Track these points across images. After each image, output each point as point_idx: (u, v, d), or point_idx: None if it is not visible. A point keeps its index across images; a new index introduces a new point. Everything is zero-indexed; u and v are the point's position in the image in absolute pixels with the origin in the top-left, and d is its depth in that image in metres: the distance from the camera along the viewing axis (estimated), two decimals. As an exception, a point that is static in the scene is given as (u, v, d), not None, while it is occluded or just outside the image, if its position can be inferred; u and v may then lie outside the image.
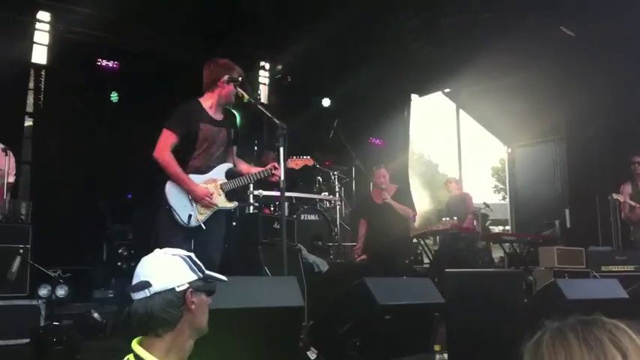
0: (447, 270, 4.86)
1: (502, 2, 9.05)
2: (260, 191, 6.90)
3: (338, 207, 7.72)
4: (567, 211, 10.99)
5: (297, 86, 10.46)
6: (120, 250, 7.00)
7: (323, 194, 7.77)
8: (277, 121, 4.20)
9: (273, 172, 4.39)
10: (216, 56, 4.56)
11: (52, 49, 8.69)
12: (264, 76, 10.85)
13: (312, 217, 7.36)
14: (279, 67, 10.65)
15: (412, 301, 3.89)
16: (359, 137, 9.65)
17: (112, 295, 6.36)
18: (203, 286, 2.01)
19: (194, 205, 4.22)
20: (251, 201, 6.92)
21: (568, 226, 10.77)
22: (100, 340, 5.19)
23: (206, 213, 4.29)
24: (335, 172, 7.83)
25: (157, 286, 1.93)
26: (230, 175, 4.49)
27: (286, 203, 6.04)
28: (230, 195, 4.45)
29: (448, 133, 11.47)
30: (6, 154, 5.87)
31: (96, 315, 5.46)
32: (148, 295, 1.93)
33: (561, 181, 11.62)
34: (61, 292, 5.14)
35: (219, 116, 4.44)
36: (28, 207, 5.69)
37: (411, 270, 7.92)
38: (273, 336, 3.16)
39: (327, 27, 8.51)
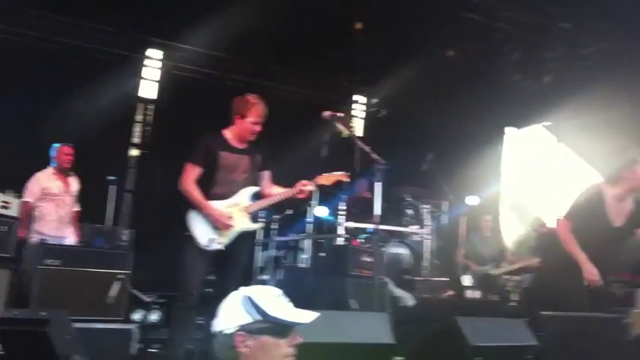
0: (542, 313, 4.58)
1: (610, 35, 8.70)
2: (349, 223, 6.88)
3: (428, 241, 7.54)
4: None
5: (391, 119, 10.48)
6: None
7: (412, 227, 7.62)
8: (376, 157, 4.22)
9: (302, 188, 4.44)
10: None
11: (162, 84, 9.23)
12: (360, 110, 11.01)
13: (401, 250, 7.21)
14: (375, 100, 10.71)
15: (505, 343, 3.72)
16: (452, 171, 9.48)
17: (202, 322, 6.48)
18: (264, 328, 1.91)
19: (216, 229, 4.33)
20: (340, 232, 6.89)
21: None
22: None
23: (228, 236, 4.37)
24: (426, 206, 7.67)
25: (215, 327, 1.97)
26: (257, 198, 4.54)
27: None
28: (255, 218, 4.54)
29: (546, 167, 11.07)
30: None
31: (186, 342, 5.56)
32: (213, 334, 1.98)
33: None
34: (154, 317, 5.30)
35: (242, 145, 4.49)
36: (131, 234, 5.94)
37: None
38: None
39: (424, 61, 8.49)
